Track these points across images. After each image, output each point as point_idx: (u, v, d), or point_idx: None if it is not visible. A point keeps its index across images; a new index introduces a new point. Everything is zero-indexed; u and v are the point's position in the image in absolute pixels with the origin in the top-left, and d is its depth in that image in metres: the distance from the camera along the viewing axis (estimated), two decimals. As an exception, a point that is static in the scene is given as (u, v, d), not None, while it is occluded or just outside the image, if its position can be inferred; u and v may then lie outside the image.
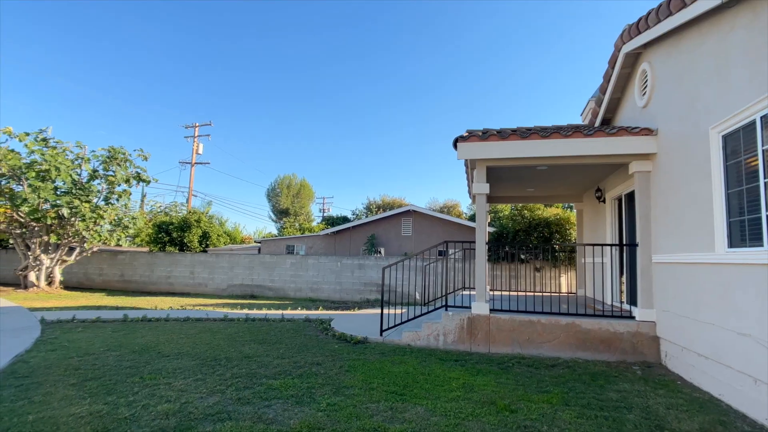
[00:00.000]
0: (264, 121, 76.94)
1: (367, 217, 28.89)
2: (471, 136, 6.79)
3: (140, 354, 5.84)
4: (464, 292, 10.45)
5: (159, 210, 28.58)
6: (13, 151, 14.86)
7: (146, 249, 21.87)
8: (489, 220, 18.89)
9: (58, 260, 16.93)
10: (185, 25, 66.89)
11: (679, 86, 5.32)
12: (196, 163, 31.20)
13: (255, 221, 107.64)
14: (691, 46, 5.02)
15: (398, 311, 8.56)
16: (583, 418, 3.75)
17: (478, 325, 6.57)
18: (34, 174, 14.67)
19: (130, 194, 17.98)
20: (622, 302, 7.49)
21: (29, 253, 16.27)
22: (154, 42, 65.61)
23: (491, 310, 6.71)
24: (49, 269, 16.76)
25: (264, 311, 11.03)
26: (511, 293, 10.68)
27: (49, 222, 15.45)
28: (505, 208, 19.19)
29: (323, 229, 25.35)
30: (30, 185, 14.61)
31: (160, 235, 21.20)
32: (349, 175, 77.57)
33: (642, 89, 6.68)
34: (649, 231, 6.15)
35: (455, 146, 6.84)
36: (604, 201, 8.91)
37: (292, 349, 6.39)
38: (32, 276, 16.15)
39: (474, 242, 7.03)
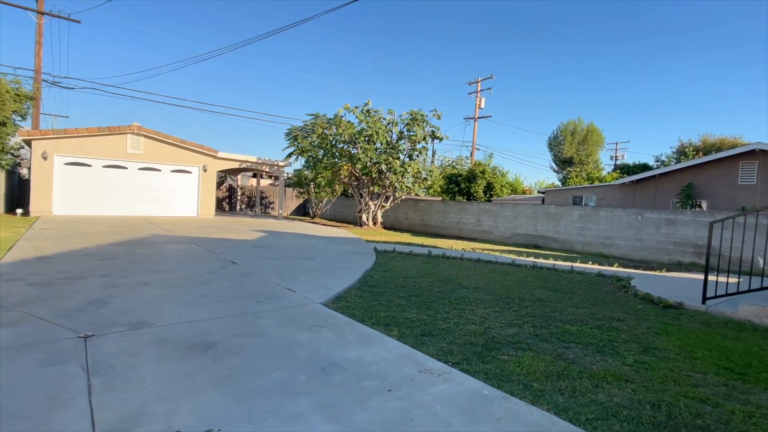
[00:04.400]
0: (546, 64, 72.36)
1: (678, 162, 23.49)
2: None
3: (445, 283, 6.84)
4: None
5: (447, 164, 31.89)
6: (350, 122, 19.55)
7: (439, 198, 25.02)
8: None
9: (379, 206, 21.59)
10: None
11: None
12: (478, 117, 32.80)
13: (535, 172, 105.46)
14: None
15: (729, 280, 6.77)
16: None
17: None
18: (363, 139, 18.92)
19: (427, 150, 20.72)
20: None
21: (361, 200, 21.40)
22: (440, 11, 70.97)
23: None
24: (374, 212, 21.60)
25: (551, 261, 10.86)
26: None
27: (373, 176, 19.76)
28: None
29: (617, 179, 22.29)
30: (361, 147, 18.95)
31: (450, 186, 23.77)
32: (649, 116, 64.32)
33: None
34: None
35: None
36: None
37: (587, 301, 6.07)
38: (364, 217, 21.27)
39: None
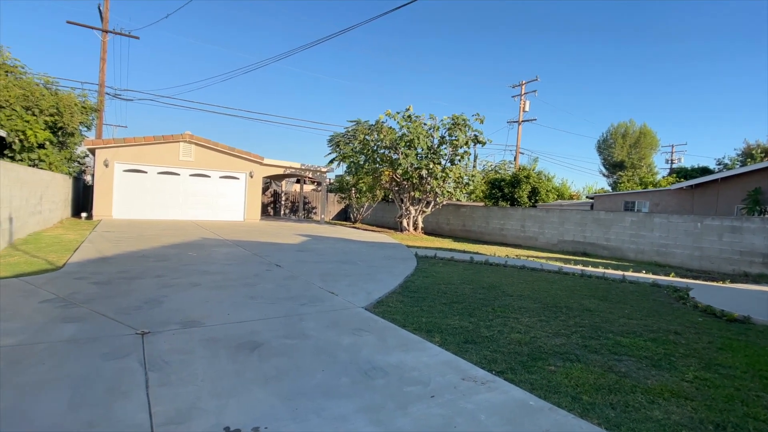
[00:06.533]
0: (595, 66, 69.60)
1: (744, 165, 21.84)
2: None
3: (488, 290, 6.69)
4: None
5: (489, 168, 31.27)
6: (391, 128, 19.65)
7: (482, 204, 24.57)
8: None
9: (420, 211, 21.50)
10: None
11: None
12: (523, 121, 31.99)
13: (583, 176, 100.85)
14: None
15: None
16: None
17: None
18: (404, 144, 18.95)
19: (470, 155, 20.42)
20: None
21: (402, 205, 21.40)
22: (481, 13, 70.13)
23: None
24: (414, 218, 21.54)
25: (600, 270, 10.38)
26: None
27: (414, 181, 19.74)
28: None
29: (673, 183, 21.03)
30: (402, 153, 18.99)
31: (493, 191, 23.28)
32: (710, 117, 60.25)
33: None
34: None
35: None
36: None
37: (640, 312, 5.74)
38: (404, 222, 21.25)
39: None
